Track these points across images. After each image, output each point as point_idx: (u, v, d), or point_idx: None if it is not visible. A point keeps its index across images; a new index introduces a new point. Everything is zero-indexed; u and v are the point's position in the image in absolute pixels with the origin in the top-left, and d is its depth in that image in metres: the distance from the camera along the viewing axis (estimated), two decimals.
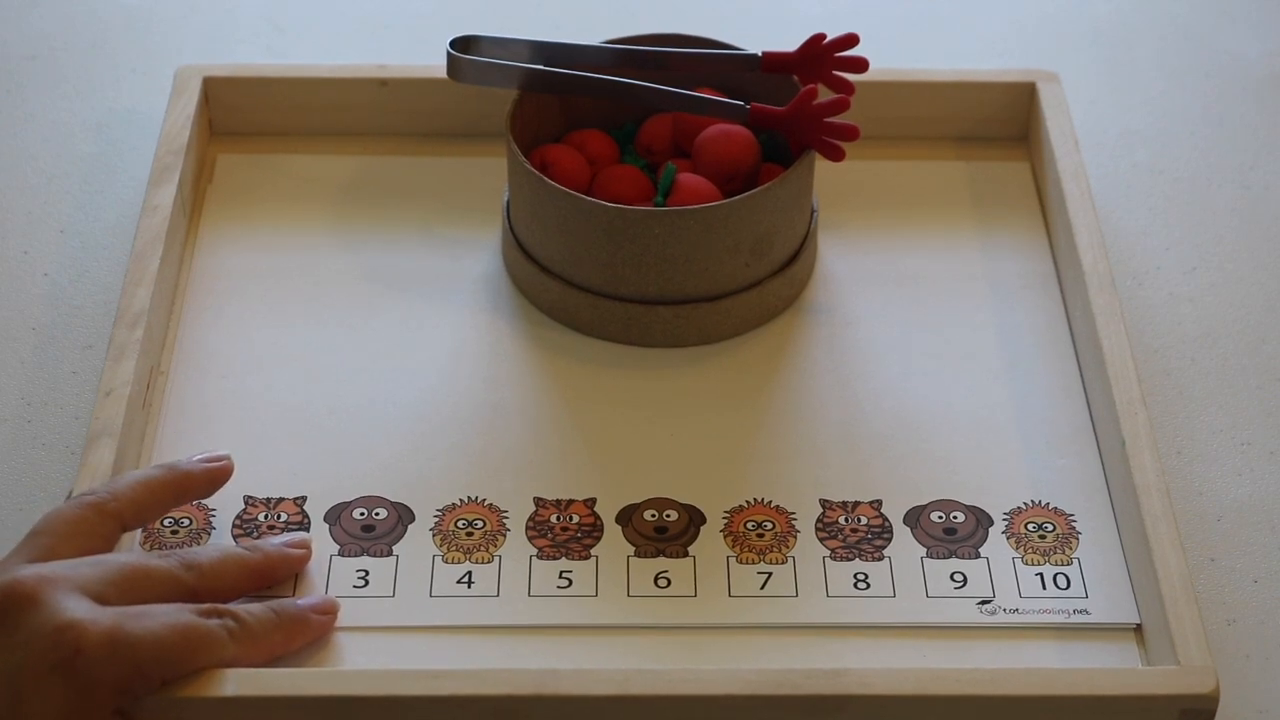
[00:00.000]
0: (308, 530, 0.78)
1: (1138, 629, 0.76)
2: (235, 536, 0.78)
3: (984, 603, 0.77)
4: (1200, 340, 0.89)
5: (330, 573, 0.77)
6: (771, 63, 0.87)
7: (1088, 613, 0.76)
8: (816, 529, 0.79)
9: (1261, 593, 0.80)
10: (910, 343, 0.86)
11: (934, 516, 0.80)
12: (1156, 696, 0.71)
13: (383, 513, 0.79)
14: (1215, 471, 0.84)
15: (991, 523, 0.80)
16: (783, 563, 0.78)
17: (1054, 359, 0.85)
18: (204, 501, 0.79)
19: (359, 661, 0.74)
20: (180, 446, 0.81)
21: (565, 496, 0.80)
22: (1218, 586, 0.80)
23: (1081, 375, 0.84)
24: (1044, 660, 0.75)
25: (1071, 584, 0.77)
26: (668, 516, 0.79)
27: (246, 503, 0.79)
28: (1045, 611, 0.76)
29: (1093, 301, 0.84)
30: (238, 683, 0.70)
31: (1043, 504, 0.80)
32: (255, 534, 0.78)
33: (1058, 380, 0.85)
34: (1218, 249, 0.93)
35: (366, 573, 0.77)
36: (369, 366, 0.85)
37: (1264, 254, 0.93)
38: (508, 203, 0.88)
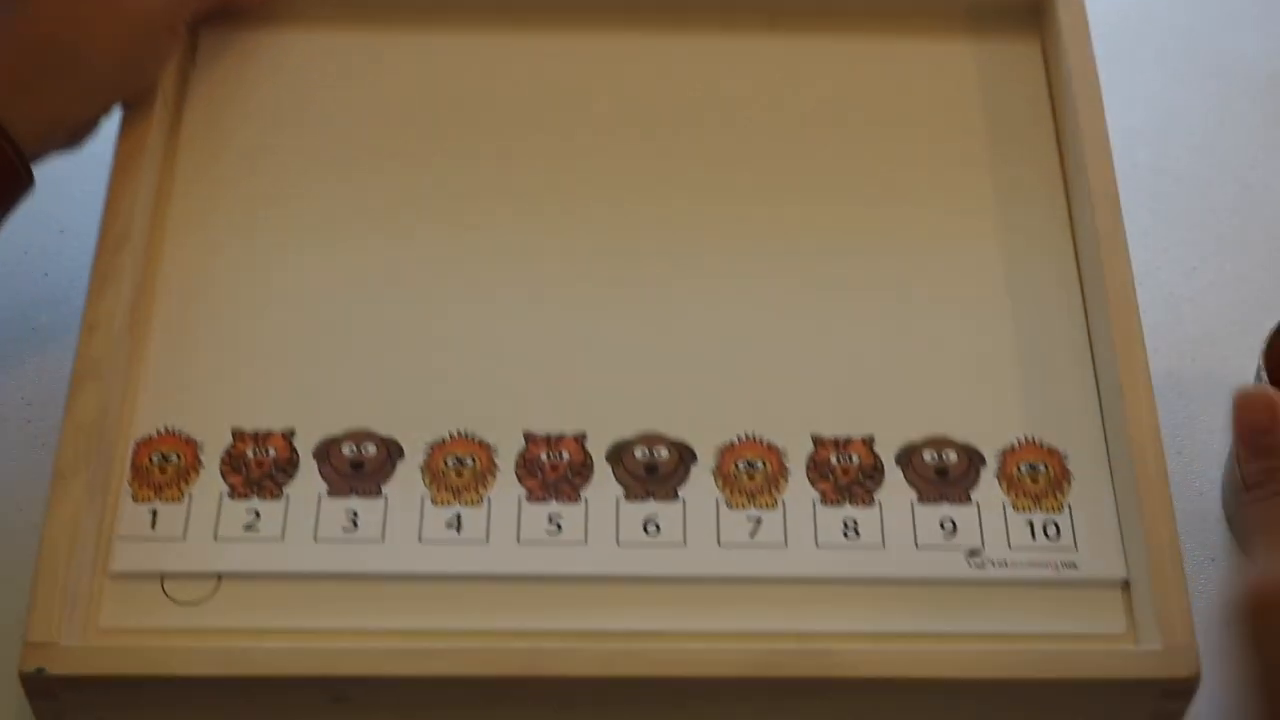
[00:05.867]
0: (297, 467, 0.78)
1: (1125, 584, 0.76)
2: (224, 474, 0.78)
3: (972, 554, 0.77)
4: (1200, 340, 0.88)
5: (319, 513, 0.77)
6: None
7: (1075, 567, 0.76)
8: (807, 469, 0.79)
9: None
10: (909, 263, 0.84)
11: (926, 456, 0.79)
12: (1141, 680, 0.72)
13: (371, 448, 0.79)
14: (1215, 471, 0.84)
15: (984, 462, 0.79)
16: (772, 507, 0.78)
17: (1057, 283, 0.84)
18: (192, 435, 0.79)
19: (349, 616, 0.75)
20: (168, 381, 0.80)
21: (556, 431, 0.79)
22: (1218, 586, 0.80)
23: (1085, 303, 0.83)
24: (1030, 619, 0.75)
25: (1061, 533, 0.77)
26: (658, 454, 0.79)
27: (235, 436, 0.79)
28: (1033, 565, 0.76)
29: (1098, 224, 0.82)
30: (210, 663, 0.71)
31: (1036, 440, 0.80)
32: (245, 473, 0.78)
33: (1060, 307, 0.83)
34: (1218, 249, 0.92)
35: (355, 514, 0.77)
36: (358, 289, 0.83)
37: (1264, 254, 0.92)
38: None
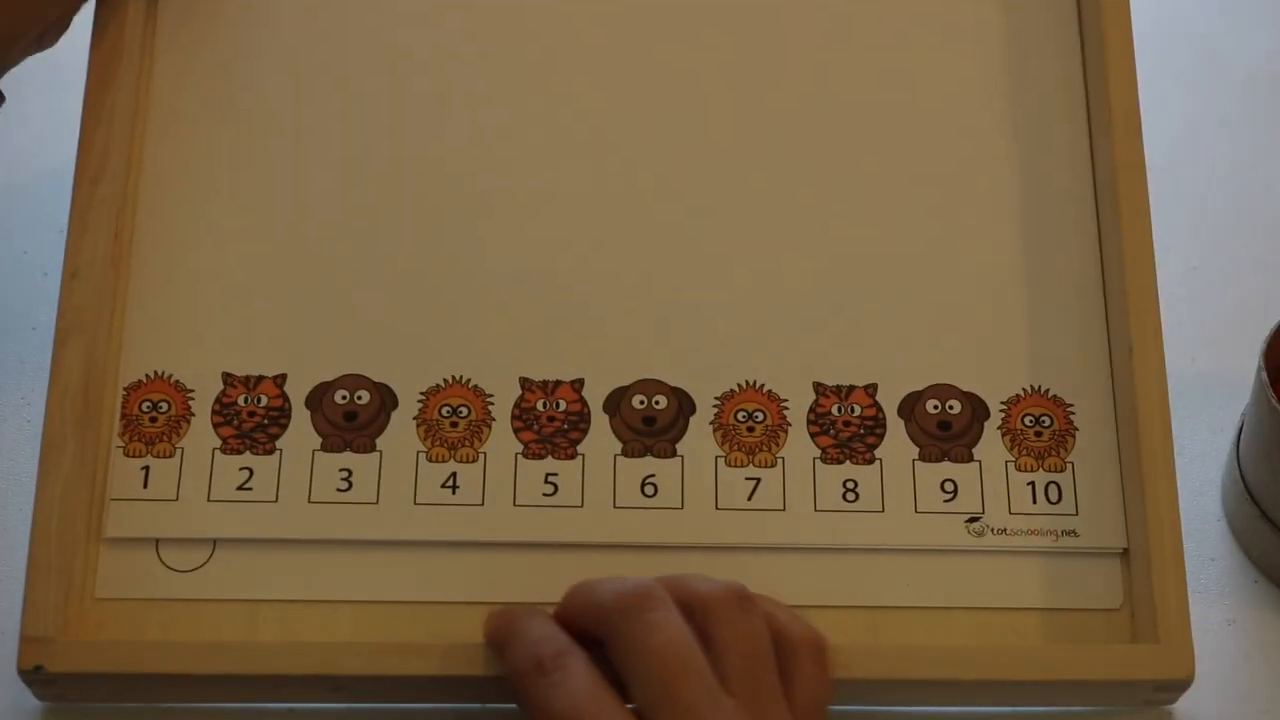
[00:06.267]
0: (289, 417, 0.77)
1: (1124, 553, 0.76)
2: (215, 425, 0.77)
3: (972, 520, 0.76)
4: (1200, 340, 0.87)
5: (313, 471, 0.76)
6: None
7: (1076, 534, 0.76)
8: (808, 422, 0.77)
9: (1261, 592, 0.80)
10: (919, 204, 0.81)
11: (929, 406, 0.78)
12: (1135, 682, 0.73)
13: (365, 396, 0.77)
14: (1215, 472, 0.83)
15: (988, 415, 0.78)
16: (772, 465, 0.77)
17: (1074, 230, 0.80)
18: (182, 381, 0.77)
19: (345, 586, 0.75)
20: (155, 323, 0.78)
21: (552, 377, 0.78)
22: (1218, 586, 0.80)
23: (1100, 246, 0.80)
24: (1028, 592, 0.76)
25: (1062, 497, 0.76)
26: (656, 404, 0.78)
27: (225, 382, 0.78)
28: (1033, 533, 0.76)
29: (1117, 158, 0.79)
30: (206, 662, 0.72)
31: (1042, 390, 0.78)
32: (236, 425, 0.77)
33: (1076, 255, 0.80)
34: (1218, 249, 0.90)
35: (349, 473, 0.76)
36: (349, 227, 0.80)
37: (1264, 254, 0.90)
38: None
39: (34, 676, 0.72)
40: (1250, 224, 0.92)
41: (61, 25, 0.79)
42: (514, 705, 0.69)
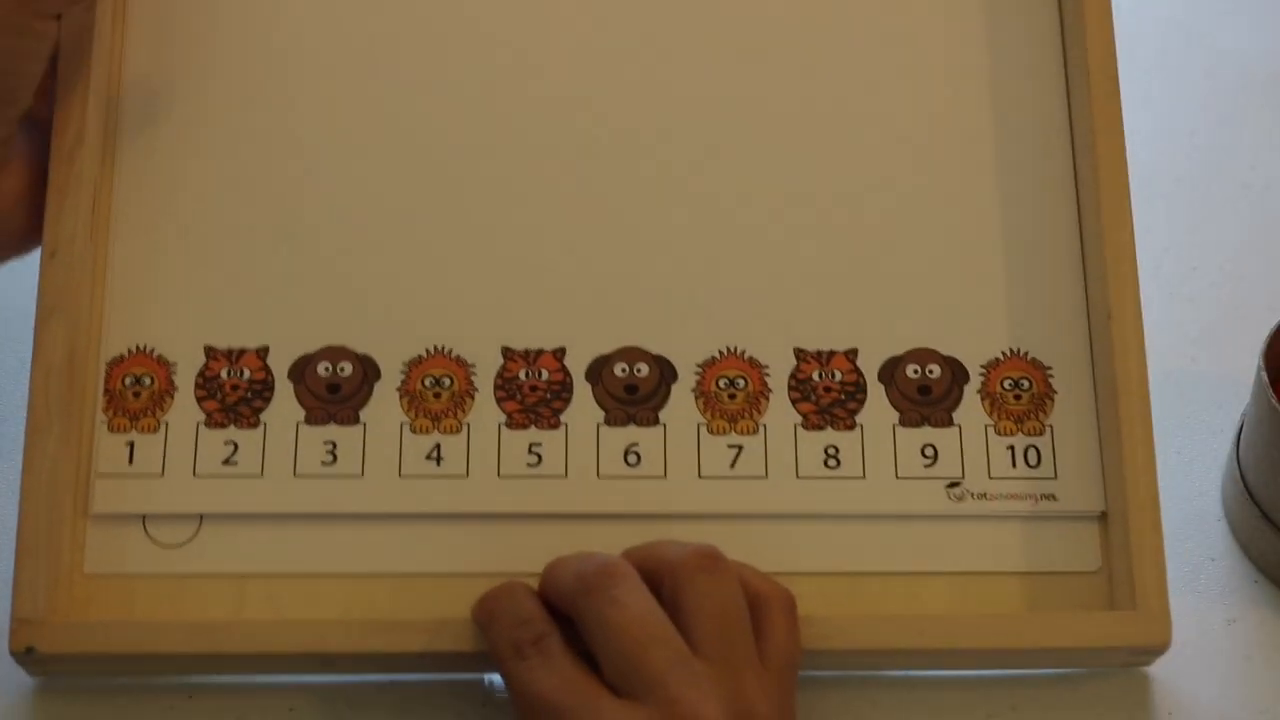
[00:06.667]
0: (272, 390, 0.77)
1: (1102, 516, 0.77)
2: (199, 398, 0.77)
3: (952, 485, 0.77)
4: (1200, 340, 0.87)
5: (297, 444, 0.77)
6: None
7: (1055, 498, 0.77)
8: (789, 389, 0.78)
9: (1261, 592, 0.81)
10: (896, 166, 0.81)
11: (910, 371, 0.78)
12: (1114, 648, 0.74)
13: (348, 367, 0.78)
14: (1215, 472, 0.84)
15: (967, 378, 0.78)
16: (753, 432, 0.77)
17: (1053, 187, 0.80)
18: (165, 355, 0.78)
19: (332, 560, 0.76)
20: (136, 296, 0.78)
21: (534, 346, 0.78)
22: (1218, 586, 0.81)
23: (1079, 210, 0.80)
24: (1007, 556, 0.77)
25: (1041, 460, 0.77)
26: (638, 371, 0.78)
27: (208, 355, 0.78)
28: (1012, 497, 0.77)
29: (1094, 108, 0.79)
30: (194, 642, 0.73)
31: (1021, 353, 0.79)
32: (220, 398, 0.77)
33: (1053, 214, 0.80)
34: (1218, 249, 0.90)
35: (334, 445, 0.77)
36: (328, 197, 0.80)
37: (1264, 254, 0.90)
38: None
39: (25, 657, 0.72)
40: (1250, 224, 0.93)
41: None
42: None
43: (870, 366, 0.78)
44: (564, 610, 0.70)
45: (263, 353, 0.78)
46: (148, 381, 0.77)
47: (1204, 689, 0.77)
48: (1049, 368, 0.78)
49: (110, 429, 0.76)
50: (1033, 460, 0.77)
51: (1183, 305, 0.89)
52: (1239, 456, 0.81)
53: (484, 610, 0.71)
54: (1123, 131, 0.78)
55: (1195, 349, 0.88)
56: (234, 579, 0.75)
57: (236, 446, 0.76)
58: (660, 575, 0.70)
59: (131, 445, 0.76)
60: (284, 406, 0.77)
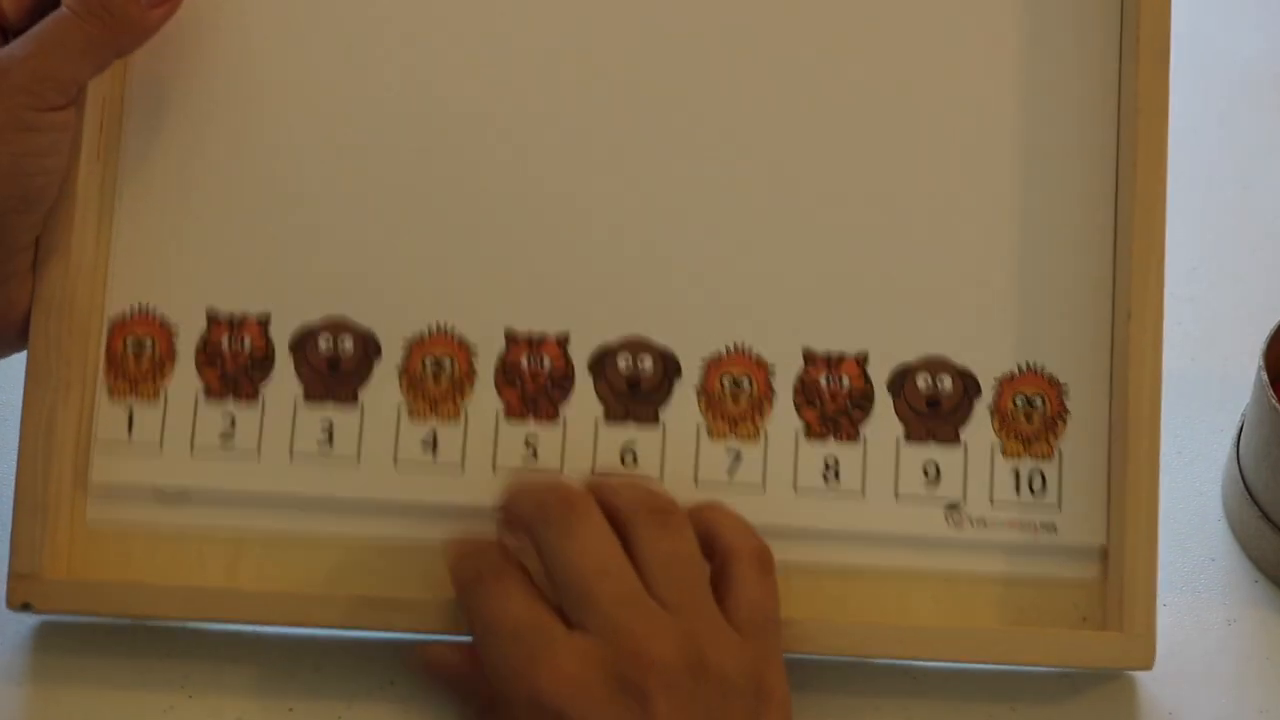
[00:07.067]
0: (273, 362, 0.77)
1: (1102, 551, 0.76)
2: (199, 366, 0.77)
3: (951, 508, 0.76)
4: (1200, 340, 0.85)
5: (295, 421, 0.77)
6: None
7: (1055, 530, 0.76)
8: (795, 393, 0.76)
9: (1261, 592, 0.79)
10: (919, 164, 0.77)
11: (920, 382, 0.77)
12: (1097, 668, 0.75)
13: (349, 343, 0.77)
14: (1215, 471, 0.82)
15: (979, 392, 0.76)
16: (754, 438, 0.76)
17: (1086, 194, 0.77)
18: (167, 316, 0.77)
19: (323, 561, 0.77)
20: (140, 255, 0.77)
21: (538, 329, 0.77)
22: (1218, 586, 0.80)
23: (1115, 222, 0.76)
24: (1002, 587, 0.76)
25: (1046, 487, 0.76)
26: (642, 365, 0.77)
27: (210, 319, 0.77)
28: (1011, 524, 0.76)
29: (1139, 127, 0.75)
30: (190, 608, 0.75)
31: (1038, 368, 0.76)
32: (220, 368, 0.77)
33: (1081, 223, 0.77)
34: (1218, 249, 0.88)
35: (331, 424, 0.77)
36: (337, 165, 0.77)
37: (1264, 254, 0.88)
38: None
39: (23, 613, 0.75)
40: (1250, 224, 0.91)
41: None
42: None
43: (880, 374, 0.76)
44: (521, 531, 0.71)
45: (264, 320, 0.77)
46: (149, 345, 0.77)
47: (1204, 689, 0.77)
48: (1064, 384, 0.76)
49: (111, 395, 0.76)
50: (1037, 486, 0.76)
51: (1183, 305, 0.87)
52: (1239, 456, 0.80)
53: (454, 549, 0.72)
54: (1166, 154, 0.75)
55: (1195, 349, 0.87)
56: (232, 544, 0.76)
57: (234, 421, 0.76)
58: (613, 517, 0.70)
59: (131, 413, 0.76)
60: (283, 380, 0.77)
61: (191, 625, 0.76)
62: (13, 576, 0.74)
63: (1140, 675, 0.77)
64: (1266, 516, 0.78)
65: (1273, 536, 0.78)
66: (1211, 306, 0.88)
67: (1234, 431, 0.81)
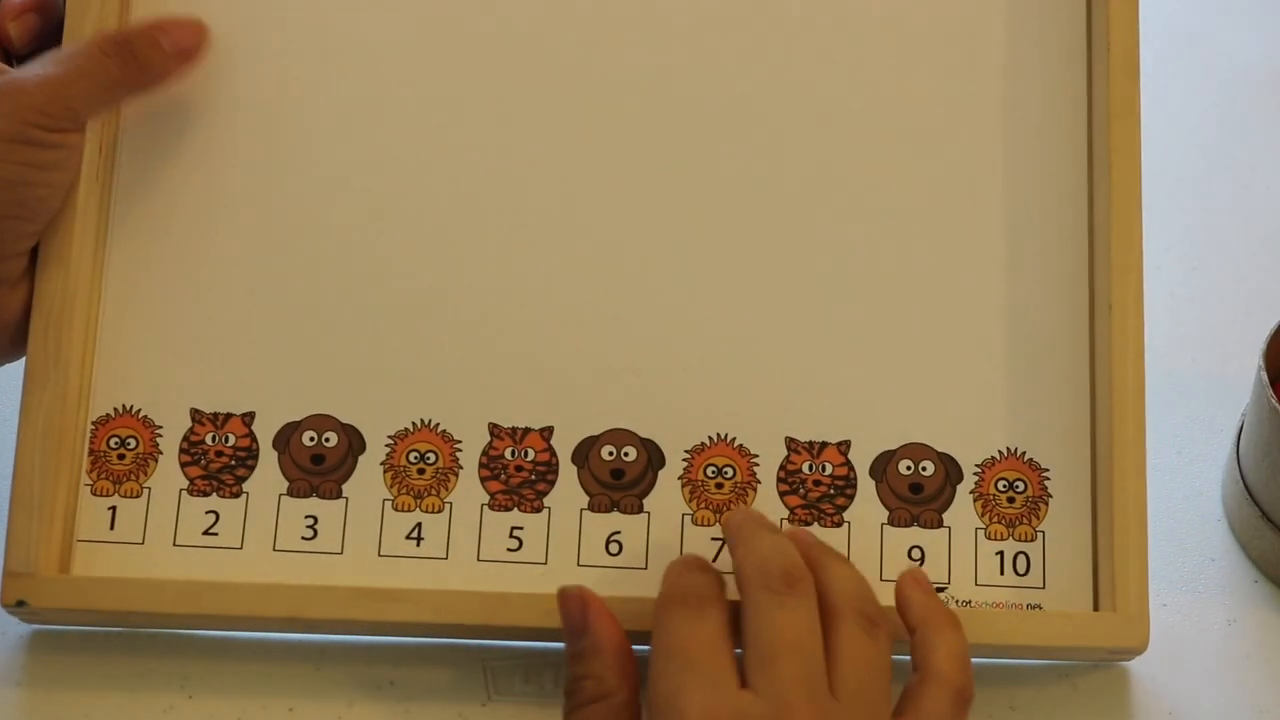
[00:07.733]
0: (256, 459, 0.77)
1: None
2: (183, 464, 0.77)
3: (938, 591, 0.76)
4: (1200, 340, 0.86)
5: (279, 515, 0.77)
6: None
7: (1041, 609, 0.76)
8: (778, 480, 0.77)
9: (1261, 592, 0.80)
10: (901, 252, 0.79)
11: (902, 468, 0.77)
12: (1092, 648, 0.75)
13: (333, 438, 0.77)
14: (1215, 471, 0.83)
15: (961, 478, 0.77)
16: None
17: (1063, 282, 0.78)
18: (150, 417, 0.77)
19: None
20: (124, 355, 0.78)
21: (522, 424, 0.77)
22: (1218, 586, 0.80)
23: (1091, 309, 0.78)
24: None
25: (1030, 568, 0.76)
26: (625, 455, 0.77)
27: (194, 419, 0.77)
28: (998, 605, 0.76)
29: (1113, 203, 0.77)
30: (186, 603, 0.75)
31: (1019, 454, 0.77)
32: (203, 464, 0.77)
33: (1065, 311, 0.78)
34: (1218, 249, 0.89)
35: (315, 520, 0.76)
36: (318, 265, 0.79)
37: (1264, 254, 0.89)
38: None
39: (18, 610, 0.74)
40: (1250, 224, 0.92)
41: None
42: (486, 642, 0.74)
43: (862, 460, 0.77)
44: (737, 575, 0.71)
45: (248, 418, 0.77)
46: (132, 444, 0.77)
47: (1204, 689, 0.77)
48: (1046, 470, 0.77)
49: (94, 493, 0.76)
50: (1021, 569, 0.76)
51: (1183, 305, 0.88)
52: (1239, 456, 0.80)
53: (682, 561, 0.72)
54: (1141, 242, 0.76)
55: (1195, 349, 0.87)
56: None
57: (218, 517, 0.76)
58: (824, 601, 0.70)
59: (114, 510, 0.76)
60: (267, 476, 0.77)
61: (191, 626, 0.76)
62: (8, 575, 0.74)
63: (1140, 675, 0.77)
64: (1266, 516, 0.79)
65: (1273, 536, 0.79)
66: (1211, 306, 0.89)
67: (1234, 431, 0.82)
